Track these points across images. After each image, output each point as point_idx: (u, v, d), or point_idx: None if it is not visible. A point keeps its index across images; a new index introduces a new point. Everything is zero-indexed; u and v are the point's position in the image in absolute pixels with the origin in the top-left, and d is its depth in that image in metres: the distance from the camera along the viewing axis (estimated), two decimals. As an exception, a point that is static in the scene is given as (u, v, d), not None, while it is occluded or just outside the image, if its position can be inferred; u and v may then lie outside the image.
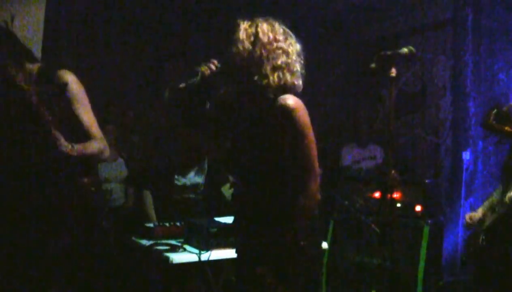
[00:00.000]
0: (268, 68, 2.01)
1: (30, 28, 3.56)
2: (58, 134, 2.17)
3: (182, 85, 1.95)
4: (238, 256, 2.26)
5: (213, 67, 2.03)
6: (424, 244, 4.02)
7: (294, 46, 2.09)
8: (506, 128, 2.84)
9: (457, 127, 5.00)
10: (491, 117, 2.85)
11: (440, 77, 5.23)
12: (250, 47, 2.01)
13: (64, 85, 2.22)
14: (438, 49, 5.24)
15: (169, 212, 3.65)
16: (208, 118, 2.18)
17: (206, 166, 3.88)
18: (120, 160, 4.57)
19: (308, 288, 2.08)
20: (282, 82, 2.03)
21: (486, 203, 3.24)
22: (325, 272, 4.31)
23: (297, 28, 2.18)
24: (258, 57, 2.01)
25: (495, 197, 3.20)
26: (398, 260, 4.01)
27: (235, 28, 2.06)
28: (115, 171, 4.45)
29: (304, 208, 1.99)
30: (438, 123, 5.22)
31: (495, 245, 3.00)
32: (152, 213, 3.72)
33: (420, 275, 3.98)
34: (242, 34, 2.03)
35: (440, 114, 5.20)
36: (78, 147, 2.19)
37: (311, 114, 2.07)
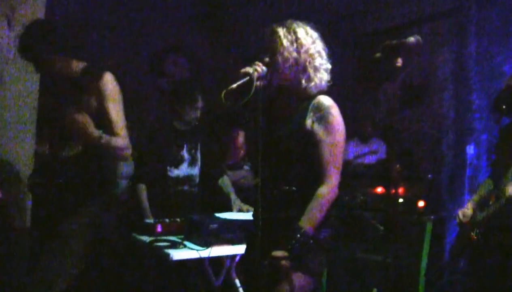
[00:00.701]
0: (311, 71, 2.15)
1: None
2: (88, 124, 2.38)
3: (233, 86, 2.00)
4: (253, 240, 2.27)
5: (259, 69, 2.07)
6: (426, 240, 3.98)
7: (321, 44, 2.20)
8: None
9: (460, 121, 4.95)
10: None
11: (443, 69, 5.17)
12: (295, 54, 2.12)
13: (101, 82, 2.47)
14: (441, 41, 5.18)
15: (164, 206, 3.60)
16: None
17: (198, 156, 3.81)
18: (129, 160, 4.55)
19: (317, 275, 2.17)
20: (322, 82, 2.18)
21: (476, 198, 3.21)
22: (326, 269, 4.26)
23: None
24: (303, 63, 2.13)
25: (484, 191, 3.16)
26: (400, 256, 3.98)
27: (273, 35, 2.14)
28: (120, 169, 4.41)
29: (325, 198, 2.08)
30: (441, 117, 5.17)
31: (491, 238, 2.98)
32: (146, 205, 3.65)
33: (422, 271, 3.95)
34: (285, 42, 2.12)
35: (442, 108, 5.15)
36: (105, 136, 2.41)
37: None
